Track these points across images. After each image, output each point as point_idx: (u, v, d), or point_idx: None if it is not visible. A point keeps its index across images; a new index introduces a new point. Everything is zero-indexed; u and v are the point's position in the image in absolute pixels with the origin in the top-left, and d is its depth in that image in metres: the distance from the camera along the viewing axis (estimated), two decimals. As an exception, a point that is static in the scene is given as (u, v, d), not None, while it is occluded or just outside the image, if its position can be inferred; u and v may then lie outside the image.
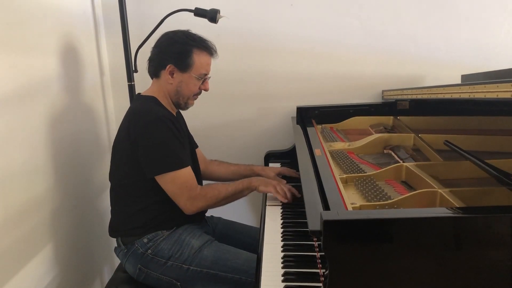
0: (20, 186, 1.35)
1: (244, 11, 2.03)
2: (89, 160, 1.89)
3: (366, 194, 1.15)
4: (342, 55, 2.07)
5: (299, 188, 1.42)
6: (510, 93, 0.90)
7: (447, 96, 1.30)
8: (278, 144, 2.13)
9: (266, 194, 1.57)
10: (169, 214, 1.46)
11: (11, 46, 1.32)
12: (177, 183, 1.40)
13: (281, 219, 1.38)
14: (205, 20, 1.71)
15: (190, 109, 1.58)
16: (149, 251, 1.42)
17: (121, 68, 1.94)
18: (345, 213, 0.91)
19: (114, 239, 1.53)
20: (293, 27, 2.05)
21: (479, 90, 1.04)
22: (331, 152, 1.51)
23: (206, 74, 1.52)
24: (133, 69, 1.88)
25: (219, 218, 1.74)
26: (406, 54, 2.06)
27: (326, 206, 1.00)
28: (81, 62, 1.82)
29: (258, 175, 1.74)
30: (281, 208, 1.46)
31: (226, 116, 2.17)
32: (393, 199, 1.07)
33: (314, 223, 0.88)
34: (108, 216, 1.57)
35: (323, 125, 1.97)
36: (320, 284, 1.01)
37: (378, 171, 1.30)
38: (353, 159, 1.45)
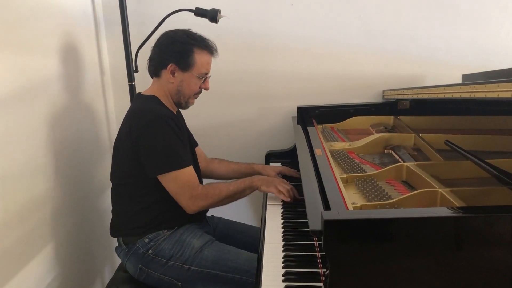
0: (21, 186, 1.35)
1: (245, 11, 2.03)
2: (90, 160, 1.89)
3: (367, 194, 1.15)
4: (342, 55, 2.07)
5: (299, 188, 1.42)
6: (510, 92, 0.90)
7: (448, 95, 1.30)
8: (279, 144, 2.13)
9: (267, 194, 1.57)
10: (170, 213, 1.46)
11: (11, 46, 1.32)
12: (179, 182, 1.40)
13: (282, 219, 1.38)
14: (206, 20, 1.71)
15: (190, 108, 1.58)
16: (150, 251, 1.42)
17: (122, 68, 1.94)
18: (345, 212, 0.91)
19: (115, 239, 1.53)
20: (294, 27, 2.05)
21: (480, 90, 1.04)
22: (331, 152, 1.51)
23: (206, 73, 1.52)
24: (134, 69, 1.88)
25: (220, 218, 1.74)
26: (407, 54, 2.06)
27: (326, 206, 1.00)
28: (82, 62, 1.82)
29: (259, 173, 1.75)
30: (281, 208, 1.46)
31: (227, 116, 2.17)
32: (393, 199, 1.07)
33: (314, 223, 0.88)
34: (109, 216, 1.57)
35: (323, 125, 1.97)
36: (321, 284, 1.01)
37: (379, 171, 1.30)
38: (353, 159, 1.45)
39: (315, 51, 2.07)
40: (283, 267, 1.09)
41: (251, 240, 1.59)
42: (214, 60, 1.54)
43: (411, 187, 1.22)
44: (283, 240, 1.23)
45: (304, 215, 1.04)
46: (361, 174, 1.29)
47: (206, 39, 1.50)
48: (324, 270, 1.04)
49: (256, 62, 2.10)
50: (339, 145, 1.64)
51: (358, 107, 2.00)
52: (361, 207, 1.05)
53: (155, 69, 1.51)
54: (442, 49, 2.04)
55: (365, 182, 1.22)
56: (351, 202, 1.04)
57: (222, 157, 1.86)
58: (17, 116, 1.33)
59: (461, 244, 0.78)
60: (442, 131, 1.63)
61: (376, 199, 1.11)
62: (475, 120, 1.39)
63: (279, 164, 1.94)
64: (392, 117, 1.94)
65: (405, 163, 1.30)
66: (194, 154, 1.62)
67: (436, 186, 1.08)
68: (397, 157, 1.46)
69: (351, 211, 0.96)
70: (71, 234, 1.69)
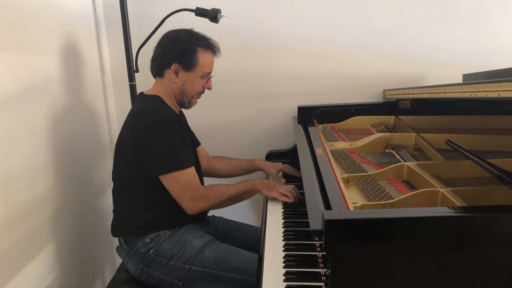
0: (22, 186, 1.35)
1: (245, 11, 2.03)
2: (91, 160, 1.89)
3: (368, 194, 1.15)
4: (343, 54, 2.07)
5: (300, 188, 1.42)
6: (511, 92, 0.90)
7: (449, 95, 1.30)
8: (279, 143, 2.13)
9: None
10: (171, 214, 1.46)
11: (12, 46, 1.32)
12: (180, 183, 1.40)
13: (283, 219, 1.38)
14: (206, 20, 1.71)
15: (191, 108, 1.58)
16: (151, 251, 1.42)
17: (122, 68, 1.94)
18: (346, 212, 0.91)
19: (116, 239, 1.53)
20: (294, 27, 2.05)
21: (481, 90, 1.04)
22: (332, 152, 1.51)
23: (210, 73, 1.52)
24: (134, 69, 1.88)
25: (221, 217, 1.74)
26: (407, 53, 2.06)
27: (327, 206, 1.00)
28: (82, 62, 1.82)
29: (260, 169, 1.76)
30: (282, 208, 1.46)
31: (227, 116, 2.17)
32: (394, 198, 1.07)
33: (315, 223, 0.88)
34: (110, 216, 1.57)
35: (324, 124, 1.97)
36: (322, 284, 1.01)
37: (380, 170, 1.30)
38: (354, 159, 1.45)
39: (316, 51, 2.07)
40: (284, 267, 1.09)
41: (252, 240, 1.59)
42: (215, 59, 1.54)
43: (412, 187, 1.22)
44: (284, 240, 1.23)
45: (305, 215, 1.04)
46: (362, 174, 1.29)
47: (209, 38, 1.50)
48: (325, 270, 1.04)
49: (257, 62, 2.10)
50: (340, 144, 1.64)
51: (359, 107, 2.00)
52: (362, 207, 1.05)
53: (158, 69, 1.51)
54: (442, 49, 2.04)
55: (366, 181, 1.22)
56: (352, 202, 1.04)
57: (220, 156, 1.87)
58: (18, 116, 1.33)
59: (462, 244, 0.78)
60: (443, 130, 1.63)
61: (377, 199, 1.11)
62: (476, 119, 1.40)
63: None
64: (393, 116, 1.93)
65: (406, 163, 1.30)
66: (195, 154, 1.62)
67: (437, 186, 1.08)
68: (398, 157, 1.46)
69: (352, 211, 0.96)
70: (72, 234, 1.69)
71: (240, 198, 1.49)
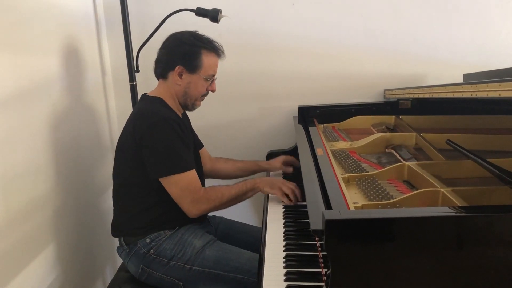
0: (22, 186, 1.35)
1: (246, 11, 2.03)
2: (91, 160, 1.89)
3: (368, 194, 1.15)
4: (343, 54, 2.07)
5: (300, 188, 1.42)
6: (512, 92, 0.90)
7: (449, 95, 1.29)
8: (280, 143, 2.13)
9: (268, 194, 1.56)
10: (171, 214, 1.46)
11: (13, 46, 1.32)
12: (180, 185, 1.40)
13: (283, 219, 1.38)
14: (207, 20, 1.71)
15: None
16: (152, 251, 1.42)
17: (123, 68, 1.94)
18: (347, 212, 0.91)
19: (117, 239, 1.53)
20: (295, 27, 2.05)
21: (481, 89, 1.04)
22: (333, 152, 1.51)
23: (213, 75, 1.52)
24: (135, 69, 1.88)
25: (221, 217, 1.74)
26: (408, 53, 2.06)
27: (328, 206, 1.00)
28: (83, 62, 1.83)
29: (265, 170, 1.76)
30: (283, 208, 1.46)
31: (228, 116, 2.17)
32: (395, 198, 1.07)
33: (316, 223, 0.88)
34: (110, 216, 1.57)
35: (325, 124, 1.96)
36: (322, 284, 1.01)
37: (380, 170, 1.30)
38: (355, 159, 1.45)
39: (316, 50, 2.07)
40: (285, 267, 1.09)
41: (252, 240, 1.59)
42: (219, 61, 1.53)
43: (413, 187, 1.22)
44: (284, 240, 1.23)
45: (305, 214, 1.04)
46: (362, 173, 1.29)
47: (213, 41, 1.50)
48: (326, 269, 1.05)
49: (257, 62, 2.10)
50: (341, 144, 1.64)
51: (359, 107, 2.00)
52: (363, 206, 1.05)
53: (162, 71, 1.50)
54: (443, 49, 2.04)
55: (367, 181, 1.22)
56: (353, 201, 1.04)
57: (223, 157, 1.86)
58: (18, 116, 1.33)
59: (463, 244, 0.78)
60: (444, 130, 1.63)
61: (377, 198, 1.11)
62: (477, 119, 1.39)
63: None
64: (394, 116, 1.93)
65: (407, 163, 1.30)
66: (198, 156, 1.62)
67: (438, 186, 1.08)
68: (399, 157, 1.46)
69: (353, 211, 0.96)
70: (72, 234, 1.69)
71: (241, 198, 1.48)
